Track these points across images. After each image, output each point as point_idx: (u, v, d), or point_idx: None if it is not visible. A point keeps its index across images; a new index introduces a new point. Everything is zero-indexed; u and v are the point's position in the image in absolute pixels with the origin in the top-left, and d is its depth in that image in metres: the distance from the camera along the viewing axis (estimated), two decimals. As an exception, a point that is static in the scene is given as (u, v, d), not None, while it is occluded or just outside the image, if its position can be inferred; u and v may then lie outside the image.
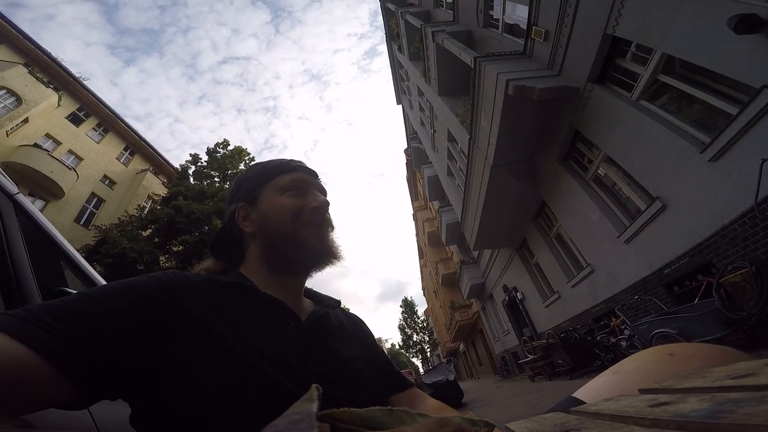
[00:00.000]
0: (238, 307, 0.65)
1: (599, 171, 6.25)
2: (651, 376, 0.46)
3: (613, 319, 6.34)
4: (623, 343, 5.39)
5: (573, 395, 0.54)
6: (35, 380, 0.41)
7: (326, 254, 0.79)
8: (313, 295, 0.90)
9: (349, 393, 0.65)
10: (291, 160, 0.88)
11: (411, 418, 0.24)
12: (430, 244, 27.98)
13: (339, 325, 0.83)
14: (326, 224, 0.81)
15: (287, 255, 0.75)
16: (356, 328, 0.91)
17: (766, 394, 0.20)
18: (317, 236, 0.77)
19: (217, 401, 0.51)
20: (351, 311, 1.04)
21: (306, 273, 0.81)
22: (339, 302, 0.90)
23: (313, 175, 0.88)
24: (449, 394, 9.39)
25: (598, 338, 6.65)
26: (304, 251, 0.75)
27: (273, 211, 0.77)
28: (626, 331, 5.37)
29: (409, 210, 39.20)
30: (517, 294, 12.01)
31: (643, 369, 0.51)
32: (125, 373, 0.50)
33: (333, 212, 0.89)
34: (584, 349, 7.17)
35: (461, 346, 33.38)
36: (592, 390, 0.54)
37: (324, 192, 0.88)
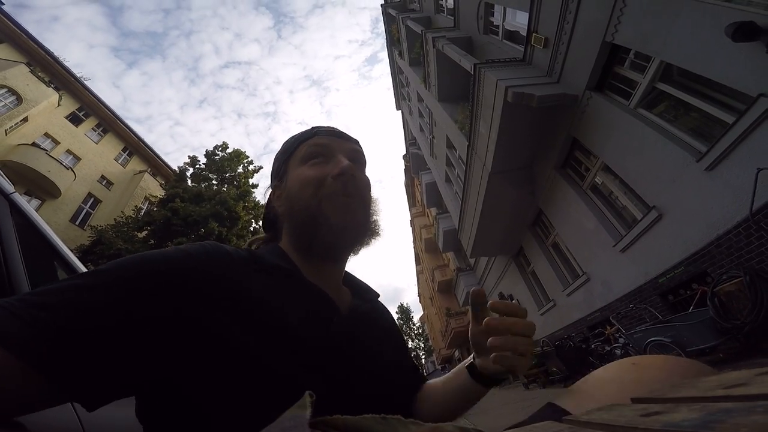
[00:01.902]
0: (277, 296, 0.56)
1: (596, 179, 6.27)
2: (619, 384, 0.52)
3: (608, 328, 6.34)
4: (618, 352, 5.39)
5: (553, 402, 0.57)
6: (14, 383, 0.36)
7: (357, 231, 0.67)
8: (350, 281, 0.79)
9: (374, 401, 0.57)
10: (316, 126, 0.77)
11: (404, 426, 0.24)
12: (427, 250, 28.02)
13: (377, 322, 0.75)
14: (355, 194, 0.68)
15: (314, 235, 0.64)
16: (390, 324, 0.82)
17: (757, 404, 0.20)
18: (344, 209, 0.65)
19: (240, 407, 0.44)
20: None
21: (341, 257, 0.70)
22: (378, 295, 0.82)
23: (339, 136, 0.75)
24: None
25: (592, 346, 6.65)
26: (330, 230, 0.63)
27: (295, 186, 0.68)
28: (621, 340, 5.38)
29: (407, 216, 39.24)
30: (513, 301, 11.97)
31: (611, 379, 0.55)
32: (129, 371, 0.43)
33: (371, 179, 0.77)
34: (579, 357, 7.16)
35: (456, 353, 33.30)
36: (567, 398, 0.56)
37: (355, 155, 0.75)
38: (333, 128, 0.77)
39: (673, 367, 0.51)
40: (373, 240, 0.72)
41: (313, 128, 0.76)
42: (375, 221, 0.73)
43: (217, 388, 0.45)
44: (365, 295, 0.78)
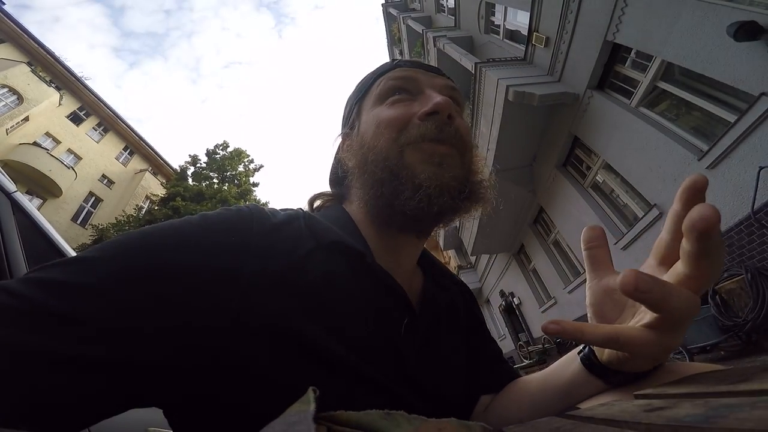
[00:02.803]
0: (339, 288, 0.43)
1: (597, 177, 6.26)
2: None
3: (610, 326, 6.33)
4: (620, 350, 5.38)
5: None
6: None
7: (455, 193, 0.48)
8: (423, 257, 0.63)
9: (432, 404, 0.46)
10: (397, 58, 0.61)
11: (408, 421, 0.24)
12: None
13: (457, 317, 0.60)
14: (454, 141, 0.51)
15: (394, 197, 0.47)
16: (469, 307, 0.67)
17: (760, 399, 0.20)
18: (436, 160, 0.48)
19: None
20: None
21: (427, 228, 0.54)
22: (459, 281, 0.66)
23: (428, 69, 0.59)
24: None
25: (594, 344, 6.64)
26: (416, 190, 0.46)
27: (369, 131, 0.53)
28: (623, 338, 5.37)
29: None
30: (514, 299, 12.00)
31: None
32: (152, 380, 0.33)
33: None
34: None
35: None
36: None
37: (452, 92, 0.57)
38: (419, 61, 0.62)
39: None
40: (475, 207, 0.54)
41: (394, 59, 0.61)
42: (479, 181, 0.54)
43: (255, 404, 0.35)
44: (442, 280, 0.62)
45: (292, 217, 0.47)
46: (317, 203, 0.64)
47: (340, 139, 0.61)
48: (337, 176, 0.62)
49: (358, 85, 0.62)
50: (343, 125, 0.62)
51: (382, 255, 0.50)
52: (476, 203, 0.53)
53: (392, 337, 0.44)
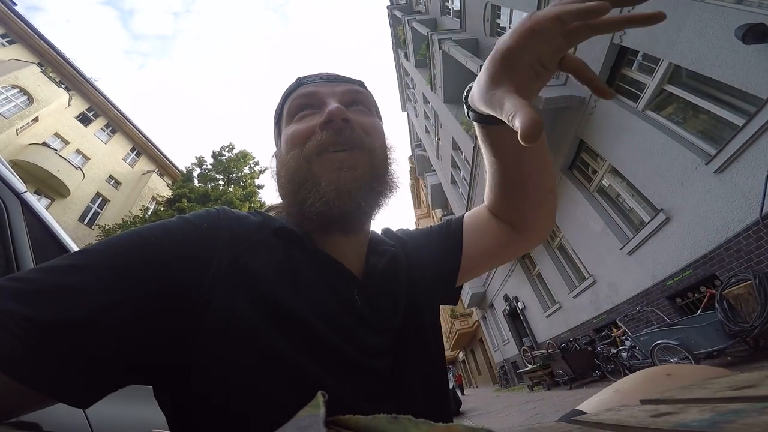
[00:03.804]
0: (291, 265, 0.49)
1: (603, 182, 6.24)
2: (651, 395, 0.41)
3: (615, 330, 6.30)
4: (624, 354, 5.35)
5: (577, 408, 0.54)
6: None
7: (359, 192, 0.51)
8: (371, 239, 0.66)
9: (417, 365, 0.53)
10: (303, 75, 0.64)
11: (415, 426, 0.24)
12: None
13: (398, 269, 0.62)
14: (352, 143, 0.54)
15: (302, 206, 0.51)
16: (407, 247, 0.71)
17: (767, 405, 0.20)
18: (335, 166, 0.52)
19: (257, 398, 0.39)
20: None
21: (348, 226, 0.55)
22: (393, 245, 0.67)
23: (330, 79, 0.62)
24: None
25: (598, 349, 6.61)
26: (320, 196, 0.50)
27: (284, 149, 0.56)
28: (627, 342, 5.34)
29: (412, 218, 39.19)
30: (518, 304, 11.95)
31: (643, 388, 0.49)
32: (133, 364, 0.38)
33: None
34: (584, 359, 7.12)
35: (460, 355, 33.19)
36: (594, 404, 0.53)
37: (353, 96, 0.61)
38: (324, 72, 0.64)
39: (707, 376, 0.47)
40: (388, 197, 0.58)
41: (298, 78, 0.64)
42: (389, 173, 0.59)
43: (229, 377, 0.39)
44: (380, 247, 0.64)
45: (249, 214, 0.55)
46: (271, 214, 0.68)
47: (274, 160, 0.66)
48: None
49: (276, 108, 0.66)
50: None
51: (324, 248, 0.55)
52: (388, 193, 0.58)
53: (350, 305, 0.51)
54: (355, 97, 0.61)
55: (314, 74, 0.64)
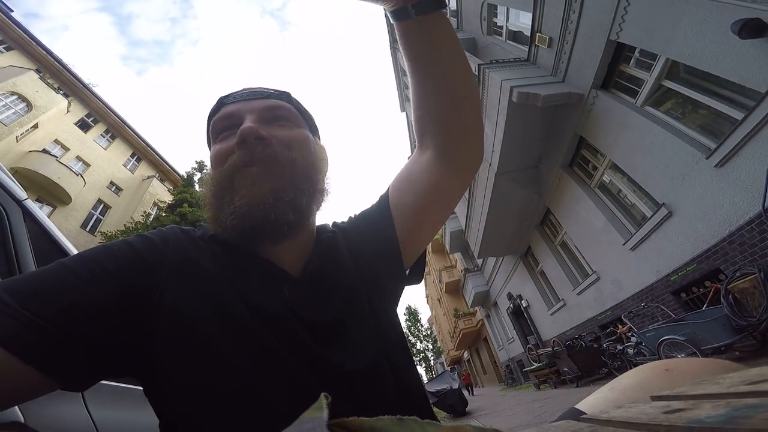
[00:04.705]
0: (227, 267, 0.54)
1: (604, 178, 6.23)
2: (649, 391, 0.42)
3: (620, 327, 6.28)
4: (630, 351, 5.34)
5: (575, 407, 0.53)
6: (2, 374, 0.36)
7: (271, 204, 0.52)
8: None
9: (349, 355, 0.52)
10: (225, 95, 0.65)
11: (421, 427, 0.24)
12: (433, 251, 27.92)
13: (339, 254, 0.65)
14: (264, 158, 0.55)
15: (224, 218, 0.54)
16: (347, 231, 0.72)
17: (785, 399, 0.19)
18: (248, 181, 0.54)
19: (205, 383, 0.44)
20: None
21: (270, 236, 0.55)
22: (334, 231, 0.70)
23: (249, 96, 0.63)
24: (453, 402, 9.30)
25: (604, 346, 6.59)
26: (232, 212, 0.52)
27: (211, 168, 0.61)
28: (633, 339, 5.32)
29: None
30: (522, 302, 11.93)
31: (640, 385, 0.49)
32: (114, 350, 0.44)
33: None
34: (590, 356, 7.11)
35: (465, 354, 33.16)
36: (591, 403, 0.53)
37: (271, 112, 0.63)
38: (245, 89, 0.65)
39: (713, 370, 0.46)
40: (320, 201, 0.62)
41: (219, 99, 0.65)
42: (318, 180, 0.61)
43: (182, 367, 0.44)
44: (319, 237, 0.67)
45: (193, 228, 0.61)
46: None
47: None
48: None
49: (206, 129, 0.68)
50: None
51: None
52: (319, 197, 0.62)
53: (281, 300, 0.53)
54: (276, 112, 0.63)
55: (236, 92, 0.65)
